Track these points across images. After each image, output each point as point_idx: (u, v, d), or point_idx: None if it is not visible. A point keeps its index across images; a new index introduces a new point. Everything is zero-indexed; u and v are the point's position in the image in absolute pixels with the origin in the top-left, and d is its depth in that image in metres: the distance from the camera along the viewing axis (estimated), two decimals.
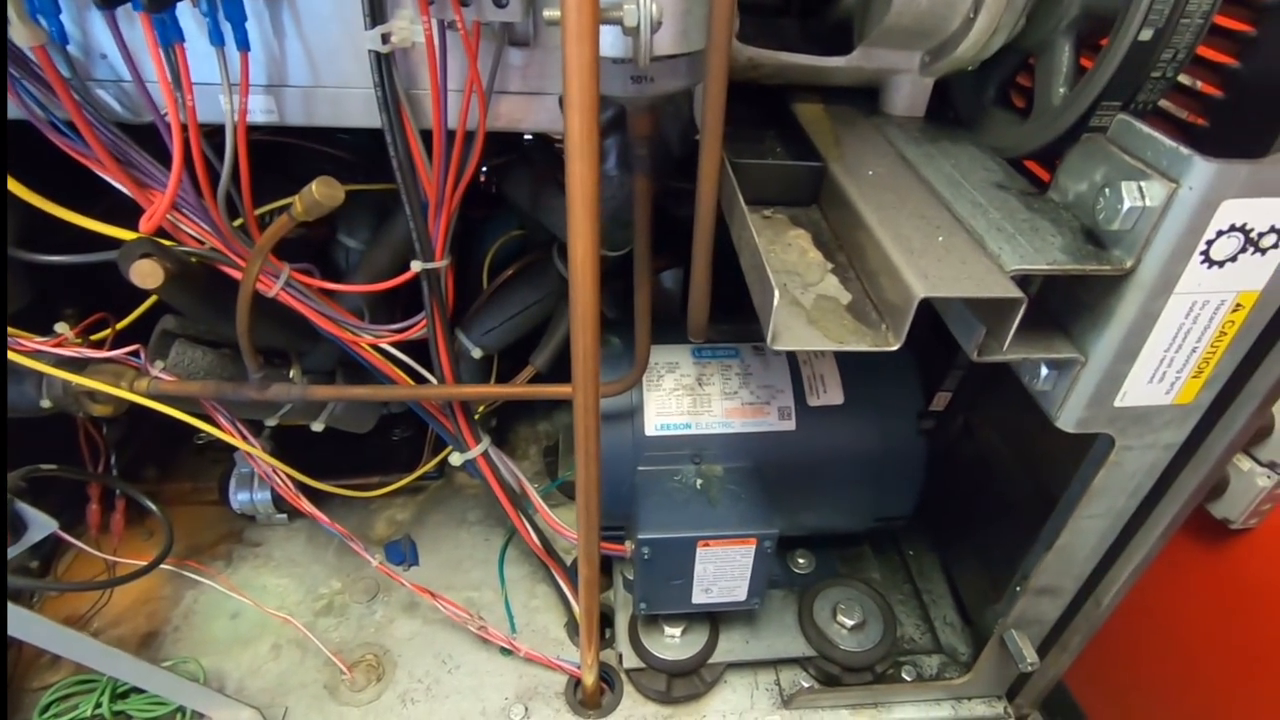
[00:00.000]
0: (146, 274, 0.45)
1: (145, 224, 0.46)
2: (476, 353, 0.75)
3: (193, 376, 0.60)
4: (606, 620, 0.76)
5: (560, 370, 0.75)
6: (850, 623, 0.71)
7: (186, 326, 0.61)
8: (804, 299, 0.43)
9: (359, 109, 0.51)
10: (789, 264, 0.47)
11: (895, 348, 0.39)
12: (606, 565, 0.79)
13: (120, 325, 0.59)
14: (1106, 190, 0.40)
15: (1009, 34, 0.50)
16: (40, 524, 0.51)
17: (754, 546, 0.61)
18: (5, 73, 0.43)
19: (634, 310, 0.57)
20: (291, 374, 0.65)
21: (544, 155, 0.67)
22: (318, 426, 0.70)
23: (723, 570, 0.62)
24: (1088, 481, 0.53)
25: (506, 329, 0.75)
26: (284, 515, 0.85)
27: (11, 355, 0.51)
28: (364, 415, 0.74)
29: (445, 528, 0.88)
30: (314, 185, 0.41)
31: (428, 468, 0.84)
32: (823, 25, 0.65)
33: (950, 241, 0.42)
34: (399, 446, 0.92)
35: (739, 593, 0.65)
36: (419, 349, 0.63)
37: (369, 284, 0.60)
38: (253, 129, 0.48)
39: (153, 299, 0.64)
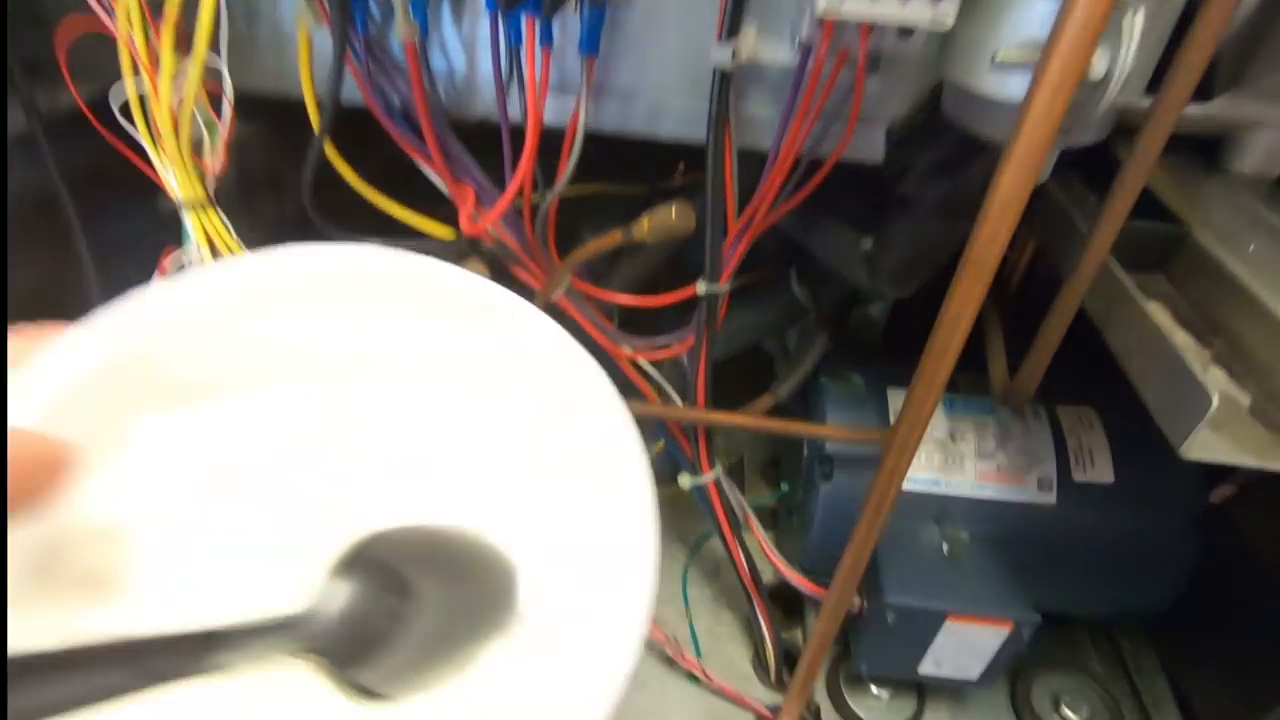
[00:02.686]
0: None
1: (472, 226, 0.46)
2: None
3: None
4: (791, 660, 0.73)
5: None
6: (1075, 718, 0.65)
7: None
8: None
9: (674, 121, 0.49)
10: None
11: None
12: (797, 604, 0.76)
13: None
14: None
15: None
16: None
17: (1008, 630, 0.56)
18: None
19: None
20: None
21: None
22: None
23: (964, 647, 0.58)
24: None
25: (724, 346, 0.73)
26: None
27: None
28: None
29: None
30: (673, 208, 0.39)
31: None
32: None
33: None
34: None
35: (971, 671, 0.60)
36: None
37: (629, 293, 0.58)
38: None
39: None
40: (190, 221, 0.44)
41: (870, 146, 0.49)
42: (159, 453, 0.19)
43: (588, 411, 0.22)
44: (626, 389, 0.60)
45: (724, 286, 0.53)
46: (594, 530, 0.22)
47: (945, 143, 0.48)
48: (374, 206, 0.51)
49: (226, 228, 0.45)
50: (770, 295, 0.73)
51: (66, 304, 0.50)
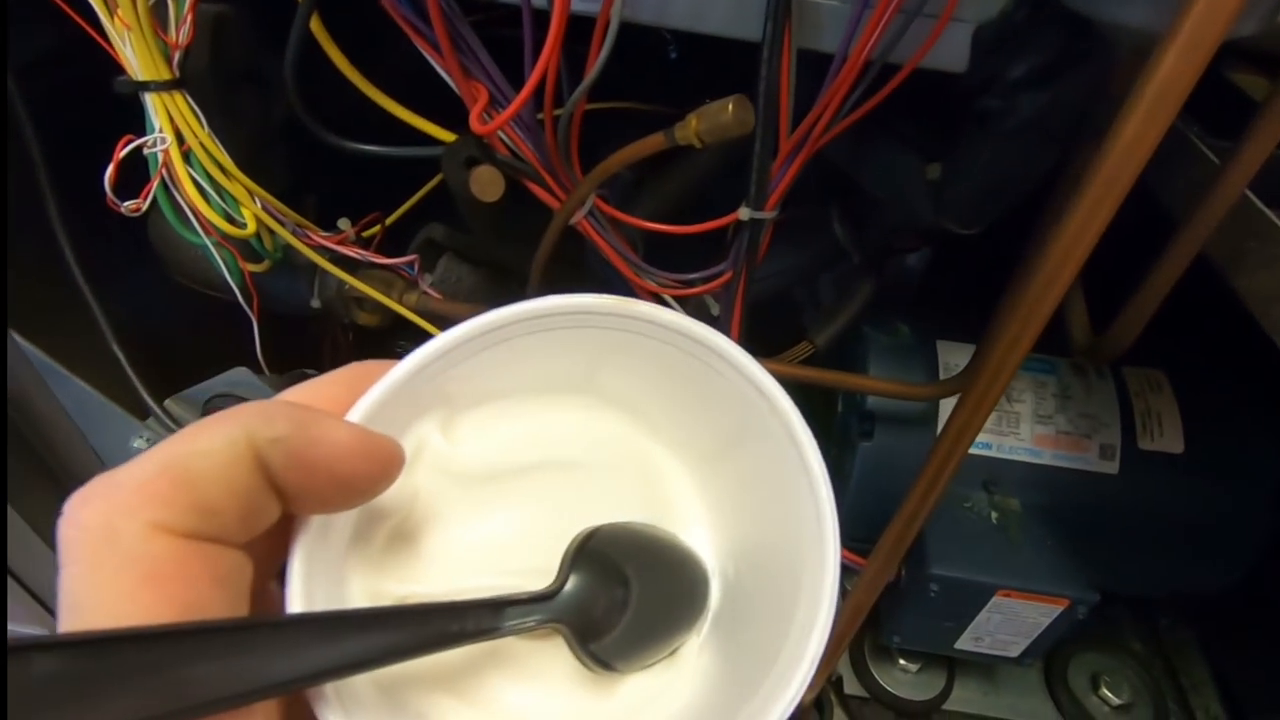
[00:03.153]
0: (487, 184, 0.39)
1: (482, 125, 0.39)
2: (715, 310, 0.67)
3: (455, 296, 0.54)
4: None
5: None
6: (1116, 701, 0.61)
7: (455, 239, 0.55)
8: None
9: (724, 12, 0.42)
10: None
11: None
12: None
13: (390, 220, 0.54)
14: None
15: None
16: None
17: (1062, 608, 0.51)
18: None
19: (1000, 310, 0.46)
20: None
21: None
22: None
23: (1009, 623, 0.53)
24: None
25: (755, 289, 0.66)
26: None
27: (298, 246, 0.46)
28: None
29: None
30: (731, 104, 0.32)
31: None
32: None
33: None
34: None
35: (1013, 649, 0.55)
36: None
37: (659, 221, 0.52)
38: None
39: (415, 200, 0.58)
40: (152, 105, 0.37)
41: (954, 51, 0.42)
42: (436, 450, 0.25)
43: (777, 439, 0.24)
44: None
45: (770, 213, 0.47)
46: (780, 543, 0.25)
47: (1043, 48, 0.41)
48: (371, 110, 0.45)
49: (197, 116, 0.39)
50: (806, 235, 0.66)
51: (16, 200, 0.44)
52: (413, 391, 0.23)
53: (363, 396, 0.21)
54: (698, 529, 0.28)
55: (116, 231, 0.42)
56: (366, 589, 0.22)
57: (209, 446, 0.17)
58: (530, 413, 0.27)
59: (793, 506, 0.23)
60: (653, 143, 0.36)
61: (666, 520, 0.27)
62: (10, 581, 0.48)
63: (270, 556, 0.20)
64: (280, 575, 0.20)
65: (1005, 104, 0.42)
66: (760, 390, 0.24)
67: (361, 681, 0.20)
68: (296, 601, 0.19)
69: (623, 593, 0.24)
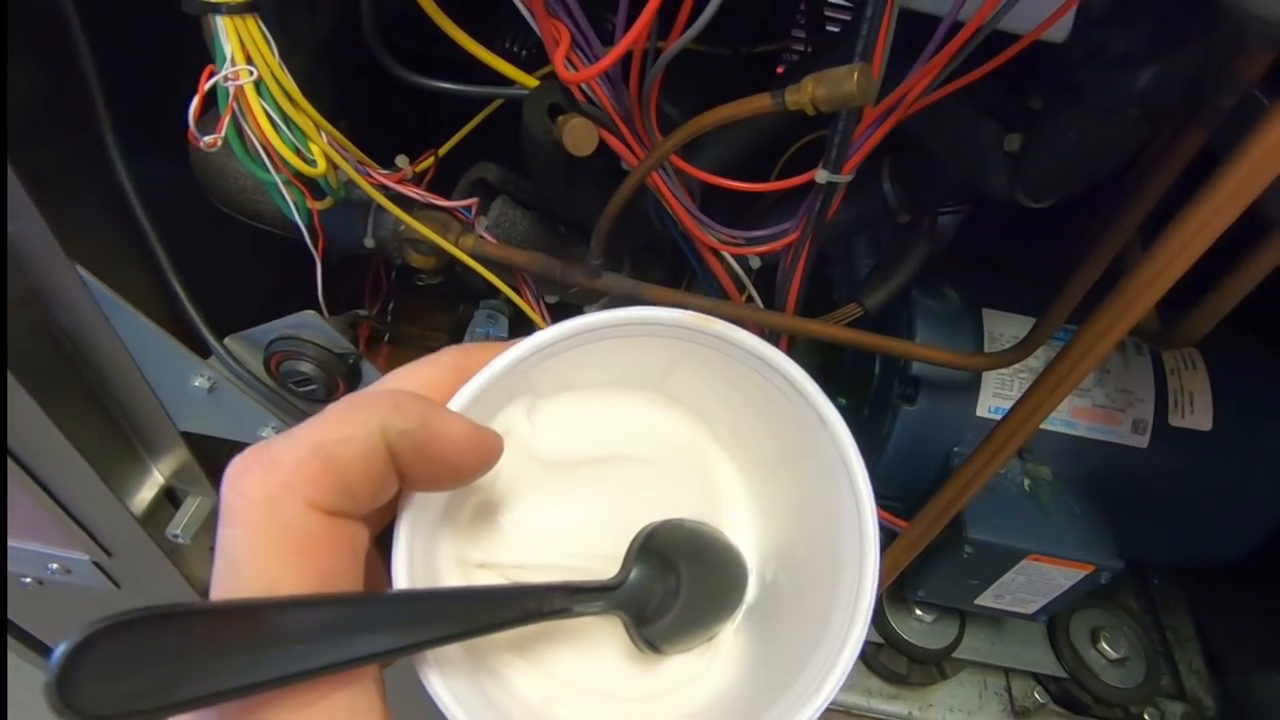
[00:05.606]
0: (581, 137, 0.37)
1: (568, 72, 0.37)
2: (755, 263, 0.66)
3: (509, 240, 0.53)
4: None
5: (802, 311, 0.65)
6: (1114, 654, 0.65)
7: (507, 181, 0.53)
8: None
9: None
10: None
11: None
12: None
13: (442, 152, 0.52)
14: None
15: None
16: (372, 377, 0.47)
17: (1085, 573, 0.53)
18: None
19: (1070, 279, 0.47)
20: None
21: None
22: None
23: (1032, 584, 0.56)
24: None
25: None
26: None
27: (362, 184, 0.44)
28: None
29: None
30: (856, 73, 0.31)
31: None
32: None
33: None
34: None
35: (1030, 607, 0.58)
36: None
37: (715, 173, 0.50)
38: None
39: (463, 134, 0.56)
40: (224, 29, 0.35)
41: (1064, 28, 0.40)
42: (521, 434, 0.27)
43: (829, 461, 0.26)
44: (707, 284, 0.53)
45: (847, 177, 0.46)
46: (819, 556, 0.27)
47: (1152, 23, 0.39)
48: (450, 49, 0.42)
49: (268, 42, 0.36)
50: (852, 192, 0.65)
51: (68, 120, 0.41)
52: (507, 381, 0.25)
53: (466, 384, 0.24)
54: (743, 530, 0.30)
55: (174, 161, 0.40)
56: (453, 555, 0.25)
57: (351, 434, 0.20)
58: (605, 405, 0.29)
59: (837, 525, 0.26)
60: (757, 104, 0.35)
61: (716, 518, 0.30)
62: (61, 512, 0.48)
63: (376, 525, 0.22)
64: (377, 540, 0.23)
65: (1105, 78, 0.41)
66: (821, 418, 0.26)
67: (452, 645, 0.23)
68: (401, 568, 0.22)
69: (674, 583, 0.26)
